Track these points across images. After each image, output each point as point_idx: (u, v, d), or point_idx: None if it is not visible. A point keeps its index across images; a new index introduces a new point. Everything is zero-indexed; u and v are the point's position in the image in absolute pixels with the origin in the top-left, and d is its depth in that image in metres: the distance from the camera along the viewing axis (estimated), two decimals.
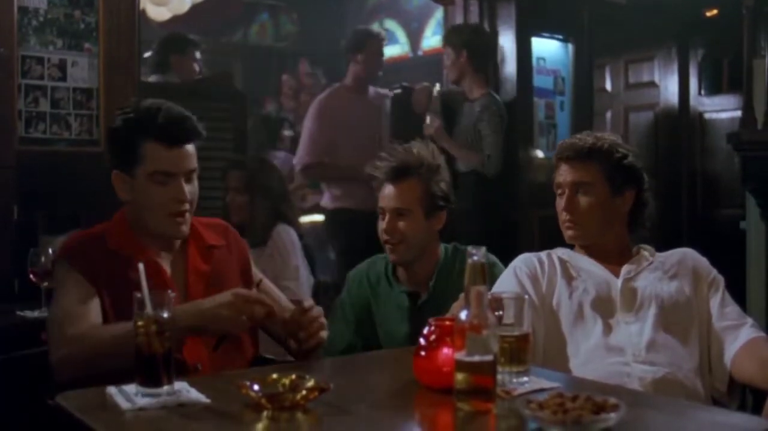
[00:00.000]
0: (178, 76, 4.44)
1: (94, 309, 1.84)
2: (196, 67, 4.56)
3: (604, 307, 2.06)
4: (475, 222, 3.86)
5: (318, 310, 1.89)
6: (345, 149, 4.27)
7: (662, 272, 2.13)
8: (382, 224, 2.45)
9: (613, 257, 2.16)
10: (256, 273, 2.14)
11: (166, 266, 1.97)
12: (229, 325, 1.76)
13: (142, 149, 1.90)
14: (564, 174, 2.15)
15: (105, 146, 1.99)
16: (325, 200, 4.40)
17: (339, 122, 4.31)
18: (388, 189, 2.43)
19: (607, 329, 2.02)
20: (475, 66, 4.19)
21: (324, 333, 1.89)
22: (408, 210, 2.41)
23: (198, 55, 4.59)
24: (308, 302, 1.90)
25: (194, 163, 1.96)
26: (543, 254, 2.18)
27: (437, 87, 4.19)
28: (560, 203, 2.16)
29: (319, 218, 4.81)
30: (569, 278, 2.11)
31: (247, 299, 1.77)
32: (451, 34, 4.37)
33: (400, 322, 2.44)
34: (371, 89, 4.49)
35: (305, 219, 5.21)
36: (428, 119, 4.12)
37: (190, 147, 1.95)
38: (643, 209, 2.20)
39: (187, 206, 1.94)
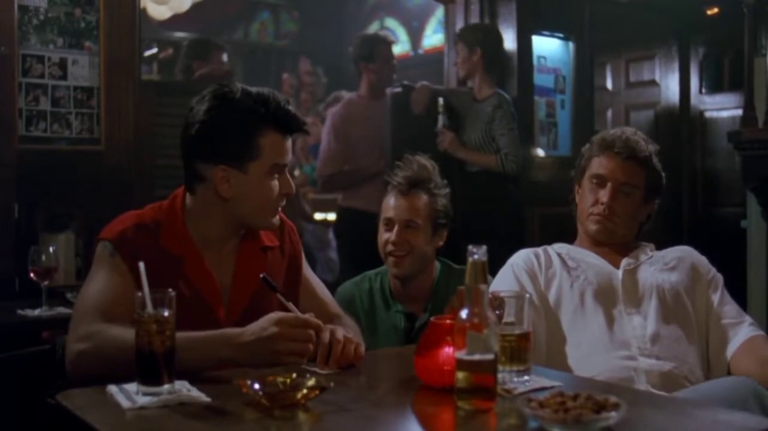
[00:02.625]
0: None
1: (126, 306, 1.63)
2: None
3: (606, 297, 2.05)
4: (485, 221, 3.85)
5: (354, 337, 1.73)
6: (364, 153, 4.23)
7: (662, 264, 2.13)
8: (388, 236, 2.40)
9: (614, 253, 2.16)
10: (305, 270, 2.01)
11: (215, 269, 1.81)
12: (279, 359, 1.57)
13: (260, 141, 1.73)
14: (613, 169, 2.12)
15: (208, 139, 1.74)
16: (340, 199, 4.39)
17: (356, 131, 4.26)
18: (399, 200, 2.40)
19: (610, 320, 2.02)
20: (486, 65, 4.19)
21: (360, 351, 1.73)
22: (418, 223, 2.39)
23: (225, 57, 4.50)
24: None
25: None
26: (539, 249, 2.17)
27: (441, 101, 4.15)
28: (599, 194, 2.12)
29: (332, 216, 4.83)
30: (569, 269, 2.11)
31: (295, 324, 1.58)
32: (466, 32, 4.36)
33: (395, 343, 2.39)
34: (388, 90, 4.42)
35: (319, 216, 5.23)
36: (439, 133, 4.09)
37: None
38: (647, 222, 2.22)
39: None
